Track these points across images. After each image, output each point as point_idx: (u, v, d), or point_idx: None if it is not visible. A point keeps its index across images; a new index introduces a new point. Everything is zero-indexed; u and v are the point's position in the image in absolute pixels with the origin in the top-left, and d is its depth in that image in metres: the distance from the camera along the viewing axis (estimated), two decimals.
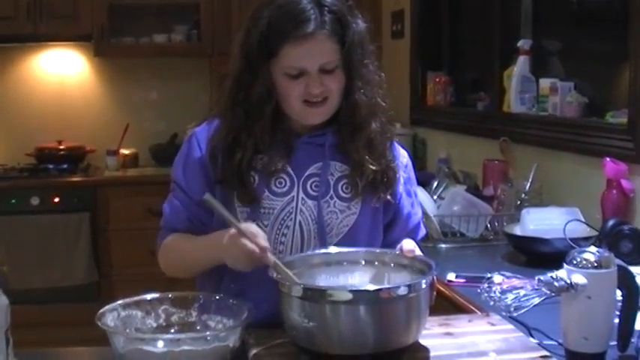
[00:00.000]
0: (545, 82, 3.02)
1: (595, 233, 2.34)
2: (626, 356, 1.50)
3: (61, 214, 4.37)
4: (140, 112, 5.06)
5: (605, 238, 2.25)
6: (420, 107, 4.29)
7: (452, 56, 4.26)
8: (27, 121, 4.91)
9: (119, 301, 1.53)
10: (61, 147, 4.78)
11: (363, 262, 1.63)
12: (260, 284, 1.57)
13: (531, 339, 1.61)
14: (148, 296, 1.57)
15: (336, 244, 1.70)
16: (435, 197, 3.02)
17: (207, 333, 1.48)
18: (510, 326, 1.68)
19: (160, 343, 1.39)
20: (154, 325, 1.55)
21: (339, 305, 1.38)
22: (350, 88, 1.69)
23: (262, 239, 1.54)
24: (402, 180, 1.80)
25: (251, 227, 1.56)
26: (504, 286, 1.98)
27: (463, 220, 2.79)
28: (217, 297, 1.59)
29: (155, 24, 4.88)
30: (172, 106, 5.05)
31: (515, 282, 2.01)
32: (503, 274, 2.08)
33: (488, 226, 2.81)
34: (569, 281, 1.45)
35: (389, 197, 1.75)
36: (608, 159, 2.49)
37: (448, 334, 1.61)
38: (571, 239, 2.18)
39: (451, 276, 2.23)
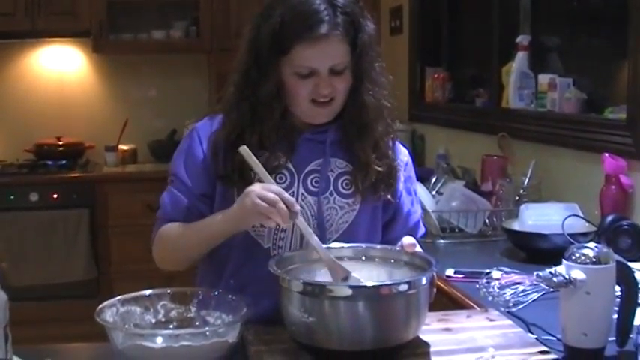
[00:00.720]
0: (543, 78, 3.02)
1: (594, 229, 2.34)
2: (624, 352, 1.50)
3: (60, 211, 4.37)
4: (139, 108, 5.05)
5: (604, 234, 2.25)
6: (419, 103, 4.29)
7: (450, 52, 4.26)
8: (26, 117, 4.91)
9: (118, 297, 1.53)
10: (60, 143, 4.78)
11: (364, 258, 1.63)
12: (260, 280, 1.57)
13: (530, 334, 1.61)
14: (147, 292, 1.57)
15: (336, 241, 1.70)
16: (434, 193, 3.02)
17: (206, 329, 1.48)
18: (509, 321, 1.68)
19: (159, 339, 1.39)
20: (153, 320, 1.55)
21: (339, 301, 1.38)
22: (359, 89, 1.69)
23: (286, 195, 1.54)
24: (402, 178, 1.80)
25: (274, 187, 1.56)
26: (503, 282, 1.99)
27: (462, 215, 2.79)
28: (216, 292, 1.59)
29: (154, 20, 4.88)
30: (171, 102, 5.05)
31: (514, 277, 2.02)
32: (501, 270, 2.09)
33: (487, 221, 2.81)
34: (567, 277, 1.45)
35: (389, 197, 1.76)
36: (606, 155, 2.49)
37: (447, 329, 1.61)
38: (570, 235, 2.18)
39: (450, 271, 2.23)
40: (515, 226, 2.52)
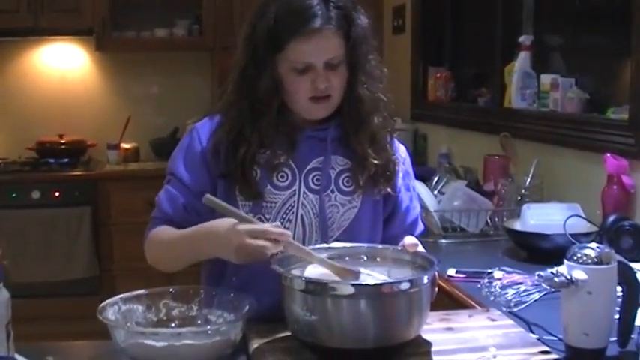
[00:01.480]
0: (546, 78, 3.02)
1: (595, 229, 2.34)
2: (626, 352, 1.50)
3: (62, 208, 4.37)
4: (141, 106, 5.05)
5: (606, 234, 2.25)
6: (421, 102, 4.29)
7: (453, 51, 4.26)
8: (28, 115, 4.92)
9: (120, 295, 1.54)
10: (62, 141, 4.78)
11: (365, 258, 1.63)
12: (262, 277, 1.57)
13: (531, 334, 1.61)
14: (149, 290, 1.58)
15: (338, 238, 1.71)
16: (436, 192, 3.02)
17: (208, 327, 1.49)
18: (510, 321, 1.68)
19: (161, 337, 1.39)
20: (155, 319, 1.56)
21: (341, 299, 1.39)
22: (354, 83, 1.71)
23: (274, 229, 1.51)
24: (400, 174, 1.81)
25: (262, 225, 1.53)
26: (504, 282, 1.99)
27: (464, 215, 2.79)
28: (218, 291, 1.60)
29: (157, 18, 4.88)
30: (174, 100, 5.05)
31: (516, 277, 2.02)
32: (503, 270, 2.09)
33: (489, 221, 2.81)
34: (569, 277, 1.45)
35: (389, 190, 1.76)
36: (608, 155, 2.49)
37: (449, 329, 1.61)
38: (571, 235, 2.18)
39: (451, 271, 2.23)
40: (517, 225, 2.52)
